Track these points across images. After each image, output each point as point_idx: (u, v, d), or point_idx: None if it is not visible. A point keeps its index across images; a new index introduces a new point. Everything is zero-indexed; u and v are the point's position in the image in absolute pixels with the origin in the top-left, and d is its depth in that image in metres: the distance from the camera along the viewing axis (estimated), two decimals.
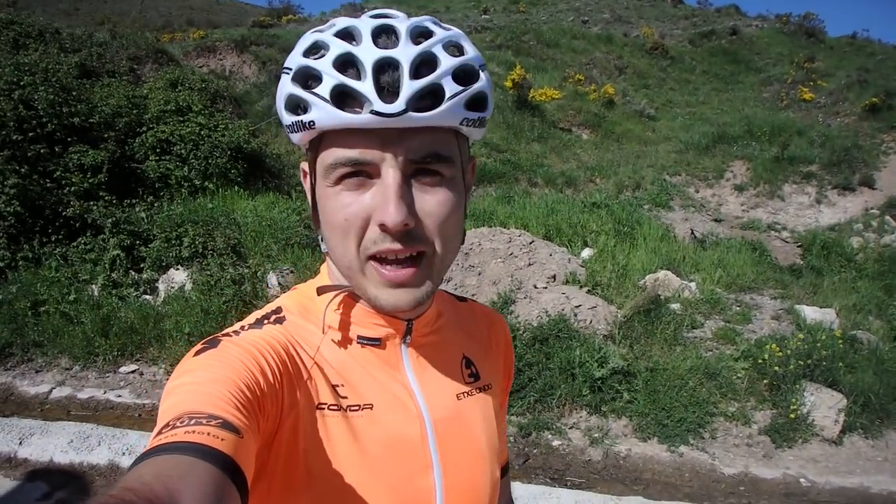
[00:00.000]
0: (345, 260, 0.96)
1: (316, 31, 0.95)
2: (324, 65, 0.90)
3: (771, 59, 25.41)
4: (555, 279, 7.64)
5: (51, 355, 7.13)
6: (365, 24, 0.92)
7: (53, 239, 8.44)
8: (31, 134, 8.82)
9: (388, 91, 0.88)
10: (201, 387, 0.83)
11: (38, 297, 7.55)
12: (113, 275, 8.05)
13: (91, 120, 9.70)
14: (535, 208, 10.69)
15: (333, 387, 1.01)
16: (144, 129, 10.40)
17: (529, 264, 7.86)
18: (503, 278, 7.60)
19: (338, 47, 0.90)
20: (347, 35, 0.92)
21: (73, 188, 8.82)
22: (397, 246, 0.92)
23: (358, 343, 1.07)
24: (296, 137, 0.96)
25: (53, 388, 6.75)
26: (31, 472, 5.36)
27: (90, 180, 9.04)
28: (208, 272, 7.82)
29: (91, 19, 28.36)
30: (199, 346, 0.93)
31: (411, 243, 0.93)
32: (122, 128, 10.13)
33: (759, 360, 6.26)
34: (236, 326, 1.02)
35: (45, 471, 5.37)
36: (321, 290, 1.07)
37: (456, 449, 1.11)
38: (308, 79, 0.92)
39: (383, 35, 0.91)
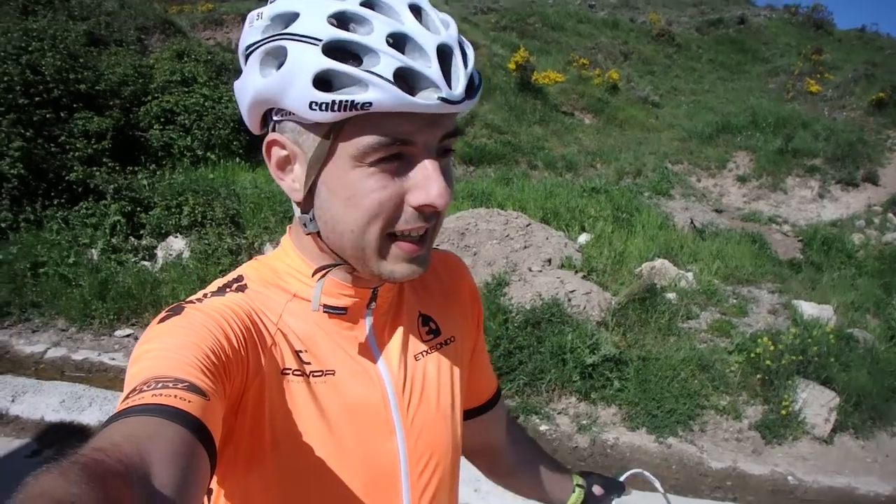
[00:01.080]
0: (360, 241, 0.96)
1: None
2: (376, 42, 0.86)
3: (778, 49, 25.18)
4: (550, 263, 7.55)
5: (48, 316, 7.27)
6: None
7: (56, 202, 8.65)
8: (37, 99, 9.02)
9: (450, 77, 0.90)
10: (167, 352, 0.83)
11: (38, 259, 7.73)
12: (113, 240, 8.24)
13: (97, 87, 9.94)
14: (534, 191, 10.61)
15: (297, 353, 1.02)
16: (149, 98, 10.68)
17: (525, 247, 7.77)
18: (498, 260, 7.52)
19: (383, 23, 0.87)
20: (377, 6, 0.90)
21: (76, 153, 9.06)
22: (426, 224, 0.97)
23: (325, 311, 1.07)
24: (325, 116, 0.87)
25: (49, 349, 6.87)
26: (21, 430, 5.48)
27: (94, 146, 9.31)
28: (206, 241, 8.02)
29: None
30: (163, 314, 0.93)
31: (432, 220, 0.98)
32: (128, 96, 10.41)
33: (753, 355, 6.17)
34: (199, 294, 1.02)
35: (35, 428, 5.48)
36: (318, 271, 1.05)
37: (417, 412, 1.13)
38: (351, 53, 0.86)
39: (416, 13, 0.92)
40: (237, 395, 0.92)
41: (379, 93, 0.84)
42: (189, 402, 0.74)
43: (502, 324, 6.40)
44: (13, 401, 5.81)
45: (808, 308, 7.44)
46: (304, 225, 1.01)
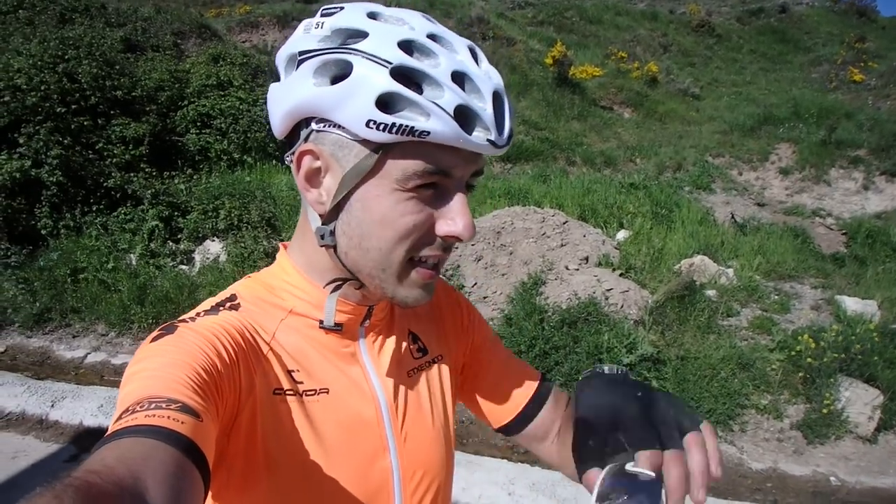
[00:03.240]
0: (385, 260, 0.98)
1: (393, 23, 0.93)
2: (442, 75, 0.89)
3: (820, 38, 24.72)
4: (587, 261, 7.50)
5: (88, 321, 7.41)
6: (451, 36, 0.95)
7: (94, 209, 8.83)
8: (74, 106, 9.12)
9: (502, 121, 0.94)
10: (159, 372, 0.83)
11: (77, 265, 7.89)
12: (151, 245, 8.39)
13: (134, 93, 10.03)
14: (572, 188, 10.54)
15: (289, 372, 1.03)
16: (186, 102, 10.75)
17: (562, 245, 7.73)
18: (534, 258, 7.49)
19: (448, 59, 0.91)
20: (440, 41, 0.94)
21: (114, 160, 9.18)
22: (443, 253, 1.00)
23: (322, 328, 1.08)
24: (376, 135, 0.89)
25: (88, 354, 7.03)
26: (60, 434, 5.58)
27: (131, 152, 9.42)
28: (243, 244, 8.08)
29: None
30: (155, 333, 0.93)
31: (448, 251, 1.01)
32: (164, 101, 10.48)
33: (794, 352, 6.07)
34: (192, 313, 1.02)
35: (73, 433, 5.58)
36: (331, 283, 1.07)
37: (410, 429, 1.14)
38: (417, 81, 0.89)
39: (473, 54, 0.96)
40: (230, 414, 0.93)
41: (439, 124, 0.87)
42: (182, 422, 0.74)
43: (538, 324, 6.37)
44: (53, 406, 5.92)
45: (851, 304, 7.29)
46: (322, 237, 1.01)
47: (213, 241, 8.40)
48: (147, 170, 9.31)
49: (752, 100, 18.35)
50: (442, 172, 0.92)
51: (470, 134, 0.90)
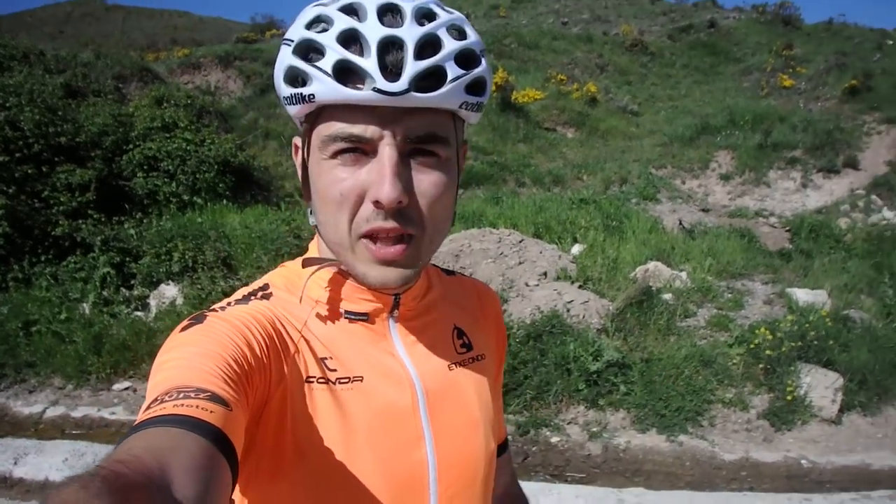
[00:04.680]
0: (335, 235, 0.97)
1: (318, 5, 0.94)
2: (327, 39, 0.89)
3: (749, 48, 25.46)
4: (546, 276, 7.62)
5: (44, 375, 7.14)
6: (370, 1, 0.91)
7: (43, 259, 8.48)
8: (17, 154, 8.86)
9: (391, 70, 0.88)
10: (189, 361, 0.83)
11: (29, 318, 7.58)
12: (104, 292, 8.05)
13: (78, 139, 9.74)
14: (524, 207, 10.66)
15: (321, 360, 1.01)
16: (131, 146, 10.41)
17: (520, 263, 7.85)
18: (495, 278, 7.58)
19: (342, 22, 0.90)
20: (351, 10, 0.92)
21: (61, 207, 8.85)
22: (390, 224, 0.93)
23: (346, 318, 1.07)
24: (293, 110, 0.95)
25: (47, 408, 6.75)
26: (26, 492, 5.37)
27: (78, 199, 9.07)
28: (199, 286, 7.85)
29: (76, 41, 28.22)
30: (185, 323, 0.93)
31: (403, 223, 0.93)
32: (109, 146, 10.16)
33: (753, 345, 6.24)
34: (223, 302, 1.02)
35: (40, 489, 5.35)
36: (306, 263, 1.06)
37: (449, 420, 1.10)
38: (310, 52, 0.91)
39: (388, 13, 0.91)
40: (260, 404, 0.92)
41: (319, 85, 0.89)
42: (211, 412, 0.74)
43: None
44: (16, 463, 5.69)
45: (802, 295, 7.51)
46: (311, 217, 1.04)
47: (168, 284, 8.17)
48: (95, 216, 8.98)
49: (689, 112, 18.80)
50: (352, 134, 0.91)
51: (354, 87, 0.88)
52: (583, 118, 18.13)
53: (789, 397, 5.75)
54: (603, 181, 13.76)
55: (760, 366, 6.16)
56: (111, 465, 0.60)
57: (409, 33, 0.90)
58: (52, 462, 5.68)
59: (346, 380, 1.01)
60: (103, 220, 9.04)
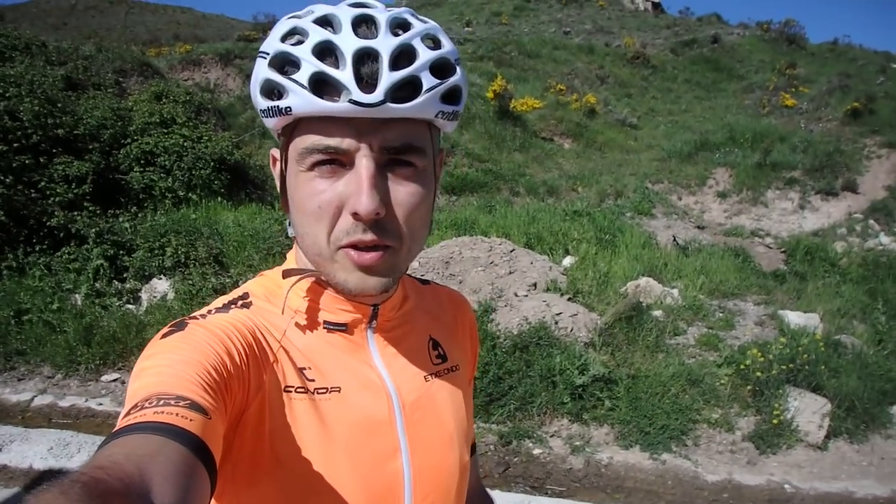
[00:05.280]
0: (314, 246, 0.97)
1: (293, 17, 0.95)
2: (302, 52, 0.90)
3: (753, 66, 25.52)
4: (536, 287, 7.55)
5: (33, 363, 7.22)
6: (344, 13, 0.93)
7: (37, 248, 8.56)
8: (15, 144, 8.89)
9: (367, 81, 0.89)
10: (169, 369, 0.84)
11: (21, 306, 7.66)
12: (96, 284, 8.16)
13: (76, 132, 9.81)
14: (517, 217, 10.63)
15: (300, 370, 1.02)
16: (129, 140, 10.51)
17: (510, 272, 7.78)
18: (484, 286, 7.52)
19: (317, 34, 0.91)
20: (326, 22, 0.93)
21: (57, 198, 8.90)
22: (369, 236, 0.93)
23: (325, 328, 1.08)
24: (270, 122, 0.96)
25: (35, 396, 6.80)
26: (10, 479, 5.40)
27: (74, 191, 9.14)
28: (190, 282, 7.94)
29: (78, 34, 28.30)
30: (166, 330, 0.94)
31: (381, 235, 0.94)
32: (107, 139, 10.24)
33: (742, 366, 6.17)
34: (203, 311, 1.02)
35: (23, 477, 5.39)
36: (286, 274, 1.07)
37: (424, 431, 1.12)
38: (285, 64, 0.92)
39: (363, 25, 0.92)
40: (238, 412, 0.92)
41: (295, 98, 0.89)
42: (190, 420, 0.74)
43: (490, 350, 6.39)
44: (0, 450, 5.74)
45: (794, 318, 7.45)
46: (288, 229, 1.05)
47: (161, 279, 8.25)
48: (91, 208, 9.05)
49: (689, 127, 18.82)
50: (328, 147, 0.91)
51: (330, 99, 0.89)
52: (581, 129, 18.14)
53: (776, 420, 5.67)
54: (598, 194, 13.72)
55: (748, 387, 6.08)
56: (91, 471, 0.61)
57: (384, 44, 0.91)
58: (36, 450, 5.72)
59: (325, 390, 1.03)
60: (98, 212, 9.15)
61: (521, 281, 7.63)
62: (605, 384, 6.09)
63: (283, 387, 0.99)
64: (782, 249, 10.76)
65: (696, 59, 26.58)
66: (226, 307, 1.04)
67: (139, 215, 9.45)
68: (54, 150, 9.36)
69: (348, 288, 0.98)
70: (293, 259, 1.13)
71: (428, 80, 0.93)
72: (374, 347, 1.12)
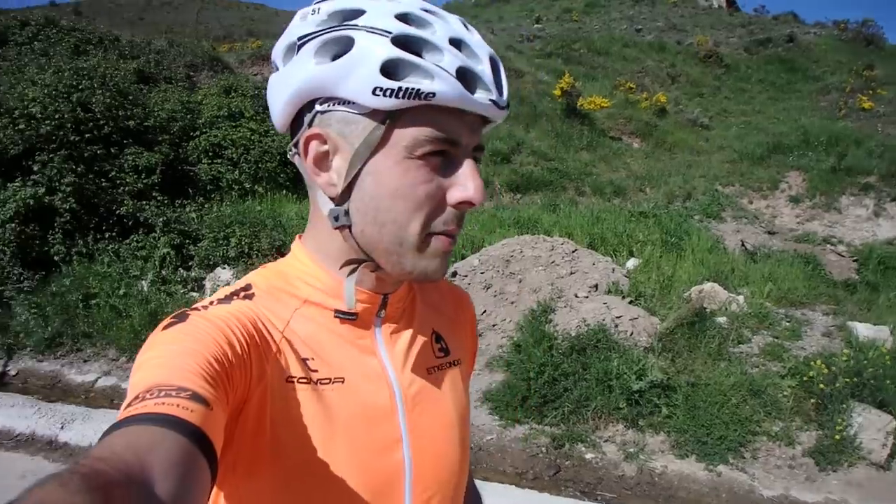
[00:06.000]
0: (399, 234, 0.98)
1: (391, 1, 0.95)
2: (440, 41, 0.92)
3: (828, 66, 24.76)
4: (597, 289, 7.49)
5: (99, 346, 7.48)
6: (441, 10, 0.98)
7: (107, 236, 8.96)
8: (87, 135, 9.27)
9: (498, 83, 0.97)
10: (170, 360, 0.83)
11: (89, 291, 7.99)
12: (162, 271, 8.49)
13: (146, 123, 10.18)
14: (581, 217, 10.57)
15: (303, 360, 1.02)
16: (198, 133, 10.90)
17: (571, 273, 7.73)
18: (544, 286, 7.48)
19: (443, 27, 0.94)
20: (432, 12, 0.96)
21: (127, 188, 9.30)
22: (457, 227, 1.01)
23: (337, 317, 1.08)
24: (384, 102, 0.90)
25: (99, 378, 7.09)
26: (69, 456, 5.62)
27: (144, 181, 9.52)
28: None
29: (154, 28, 29.01)
30: (167, 321, 0.93)
31: (461, 225, 1.02)
32: (177, 132, 10.62)
33: (806, 378, 6.01)
34: (205, 301, 1.02)
35: (83, 455, 5.50)
36: (346, 264, 1.06)
37: (426, 423, 1.13)
38: (418, 49, 0.92)
39: (467, 26, 0.99)
40: (239, 402, 0.93)
41: (443, 85, 0.89)
42: (191, 411, 0.74)
43: (547, 350, 6.35)
44: (62, 428, 5.95)
45: (863, 329, 7.22)
46: (336, 218, 1.01)
47: (224, 268, 8.45)
48: (159, 198, 9.41)
49: (762, 129, 18.36)
50: (449, 139, 0.94)
51: (473, 94, 0.92)
52: (650, 129, 17.88)
53: (837, 437, 5.50)
54: (666, 195, 13.52)
55: (812, 400, 5.91)
56: (91, 462, 0.61)
57: (494, 52, 0.98)
58: (97, 429, 5.84)
59: (328, 380, 1.03)
60: (166, 202, 9.53)
61: (582, 282, 7.57)
62: (662, 391, 5.99)
63: (285, 377, 0.99)
64: (854, 258, 10.47)
65: (770, 58, 25.96)
66: (227, 298, 1.03)
67: (205, 206, 9.76)
68: (125, 141, 9.70)
69: (426, 274, 1.01)
70: (302, 254, 1.12)
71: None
72: (380, 337, 1.12)
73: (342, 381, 1.04)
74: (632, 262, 8.77)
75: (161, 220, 8.93)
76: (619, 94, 19.70)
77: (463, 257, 8.57)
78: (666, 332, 6.69)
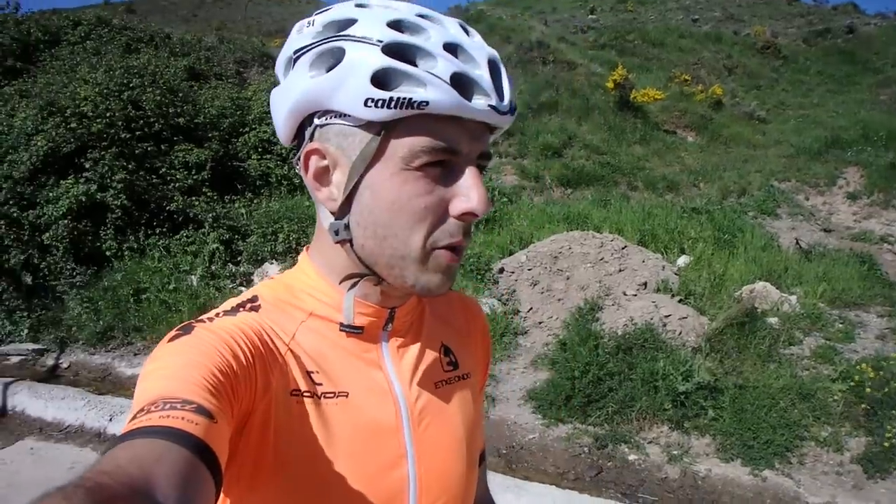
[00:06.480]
0: (403, 247, 0.96)
1: (386, 8, 0.95)
2: (434, 47, 0.90)
3: (889, 59, 24.08)
4: (646, 287, 7.45)
5: (149, 340, 7.61)
6: (438, 14, 0.97)
7: (157, 231, 9.13)
8: (138, 133, 9.44)
9: (498, 88, 0.94)
10: (175, 372, 0.84)
11: (140, 285, 8.13)
12: (211, 267, 8.66)
13: (196, 120, 10.35)
14: (632, 213, 10.48)
15: (308, 373, 1.02)
16: (247, 129, 11.04)
17: (620, 270, 7.69)
18: (591, 284, 7.46)
19: (438, 32, 0.92)
20: (429, 18, 0.94)
21: (177, 184, 9.45)
22: (467, 239, 0.99)
23: (343, 331, 1.07)
24: (376, 113, 0.89)
25: None
26: None
27: (194, 177, 9.69)
28: None
29: (206, 25, 29.34)
30: (173, 333, 0.93)
31: (467, 238, 0.99)
32: (226, 128, 10.77)
33: (855, 382, 5.91)
34: (211, 313, 1.01)
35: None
36: (346, 279, 1.05)
37: (432, 439, 1.11)
38: (407, 57, 0.90)
39: (466, 29, 0.96)
40: (244, 414, 0.93)
41: (436, 93, 0.87)
42: (196, 424, 0.75)
43: (593, 349, 6.34)
44: (111, 420, 6.07)
45: None
46: (336, 232, 1.01)
47: (272, 263, 8.56)
48: (208, 194, 9.58)
49: (819, 123, 17.95)
50: (447, 148, 0.92)
51: (469, 101, 0.90)
52: (705, 122, 17.59)
53: (887, 444, 5.40)
54: (720, 190, 13.33)
55: (862, 406, 5.81)
56: (95, 475, 0.61)
57: (496, 55, 0.96)
58: None
59: (332, 394, 1.02)
60: (216, 198, 9.70)
61: (631, 279, 7.53)
62: (709, 392, 5.94)
63: (289, 390, 0.99)
64: None
65: (829, 49, 25.36)
66: (234, 310, 1.03)
67: (254, 201, 9.92)
68: (175, 138, 9.87)
69: (429, 288, 0.99)
70: (308, 266, 1.11)
71: (514, 96, 0.98)
72: (387, 352, 1.11)
73: (346, 396, 1.03)
74: (682, 260, 8.69)
75: (210, 215, 9.06)
76: (674, 87, 19.42)
77: (510, 253, 8.58)
78: (715, 333, 6.63)
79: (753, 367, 6.36)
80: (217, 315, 1.00)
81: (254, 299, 1.07)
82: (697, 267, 8.39)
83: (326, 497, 0.99)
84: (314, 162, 1.00)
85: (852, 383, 5.91)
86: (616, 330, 6.62)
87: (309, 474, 0.98)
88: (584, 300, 7.19)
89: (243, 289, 8.23)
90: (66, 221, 8.39)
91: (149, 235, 9.01)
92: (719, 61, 22.99)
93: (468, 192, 0.94)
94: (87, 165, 8.81)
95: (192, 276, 8.37)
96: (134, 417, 0.76)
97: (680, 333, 6.60)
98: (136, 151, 9.25)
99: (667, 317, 6.76)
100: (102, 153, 8.90)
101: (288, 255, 8.62)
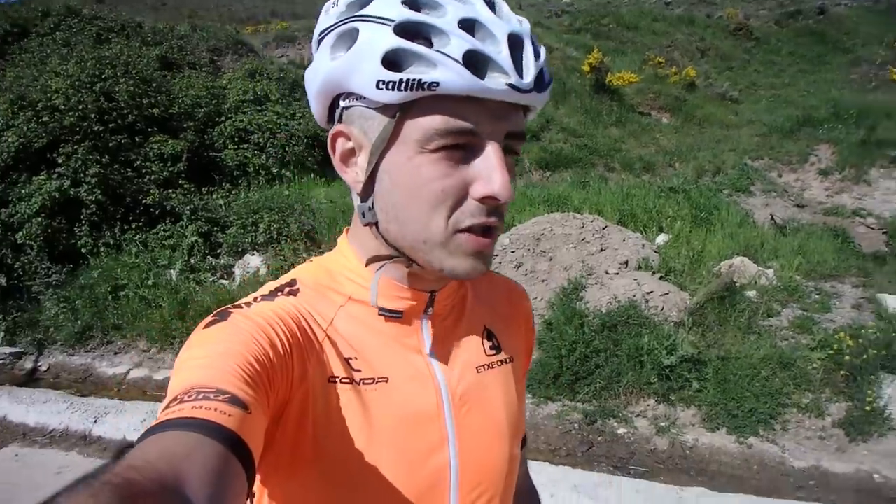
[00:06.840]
0: (424, 231, 0.93)
1: None
2: (448, 24, 0.86)
3: (860, 39, 24.31)
4: (627, 265, 7.56)
5: (129, 338, 7.49)
6: None
7: (134, 226, 8.89)
8: (111, 125, 9.22)
9: (519, 65, 0.88)
10: (210, 360, 0.82)
11: (118, 282, 7.97)
12: (191, 260, 8.47)
13: (171, 111, 10.13)
14: (611, 193, 10.58)
15: (346, 360, 0.99)
16: (223, 118, 10.82)
17: (601, 250, 7.80)
18: (574, 264, 7.56)
19: (456, 8, 0.87)
20: None
21: (152, 177, 9.24)
22: (493, 219, 0.93)
23: (381, 315, 1.05)
24: (388, 96, 0.87)
25: (131, 370, 7.11)
26: (104, 450, 5.62)
27: (170, 169, 9.47)
28: (282, 257, 8.10)
29: (177, 13, 29.00)
30: (209, 319, 0.92)
31: (497, 217, 0.94)
32: (202, 118, 10.55)
33: (834, 350, 6.07)
34: (248, 298, 1.00)
35: (117, 448, 5.61)
36: (372, 261, 1.04)
37: (474, 423, 1.09)
38: (422, 36, 0.86)
39: (490, 7, 0.91)
40: (281, 403, 0.91)
41: (447, 73, 0.84)
42: (229, 415, 0.73)
43: (578, 328, 6.45)
44: (96, 422, 5.98)
45: (892, 301, 7.24)
46: (363, 214, 1.00)
47: (253, 254, 8.48)
48: (185, 186, 9.41)
49: (791, 102, 18.16)
50: (464, 129, 0.88)
51: (483, 79, 0.85)
52: (679, 103, 17.73)
53: (868, 408, 5.57)
54: (695, 170, 13.47)
55: (841, 372, 5.98)
56: (124, 471, 0.60)
57: (524, 30, 0.91)
58: (130, 422, 5.92)
59: (371, 380, 1.00)
60: (193, 190, 9.48)
61: (613, 259, 7.64)
62: (693, 365, 6.08)
63: (328, 377, 0.96)
64: (884, 230, 10.40)
65: (800, 30, 25.55)
66: (272, 294, 1.01)
67: (233, 192, 9.73)
68: (150, 130, 9.68)
69: (455, 273, 0.95)
70: (347, 248, 1.09)
71: (548, 72, 0.94)
72: (427, 336, 1.08)
73: (386, 381, 1.01)
74: (662, 238, 8.83)
75: (188, 208, 8.92)
76: (648, 69, 19.55)
77: None
78: (696, 307, 6.77)
79: (734, 339, 6.51)
80: (255, 300, 0.99)
81: (292, 283, 1.06)
82: (676, 244, 8.52)
83: (367, 484, 0.97)
84: (340, 144, 0.98)
85: (831, 351, 6.07)
86: (600, 308, 6.73)
87: (348, 462, 0.96)
88: (568, 280, 7.29)
89: (224, 282, 8.20)
90: (39, 219, 8.24)
91: (125, 230, 8.84)
92: (692, 44, 23.14)
93: (489, 174, 0.89)
94: (60, 160, 8.64)
95: (172, 271, 8.26)
96: (167, 406, 0.75)
97: (662, 309, 6.73)
98: (110, 144, 9.09)
99: (649, 294, 6.88)
100: (75, 147, 8.74)
101: (269, 246, 8.53)
